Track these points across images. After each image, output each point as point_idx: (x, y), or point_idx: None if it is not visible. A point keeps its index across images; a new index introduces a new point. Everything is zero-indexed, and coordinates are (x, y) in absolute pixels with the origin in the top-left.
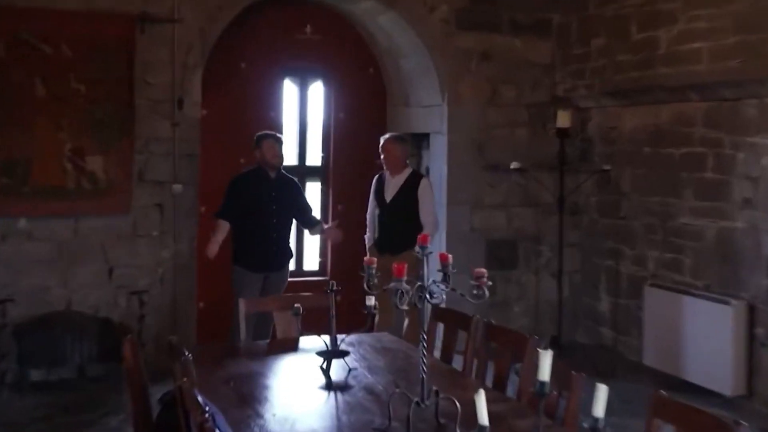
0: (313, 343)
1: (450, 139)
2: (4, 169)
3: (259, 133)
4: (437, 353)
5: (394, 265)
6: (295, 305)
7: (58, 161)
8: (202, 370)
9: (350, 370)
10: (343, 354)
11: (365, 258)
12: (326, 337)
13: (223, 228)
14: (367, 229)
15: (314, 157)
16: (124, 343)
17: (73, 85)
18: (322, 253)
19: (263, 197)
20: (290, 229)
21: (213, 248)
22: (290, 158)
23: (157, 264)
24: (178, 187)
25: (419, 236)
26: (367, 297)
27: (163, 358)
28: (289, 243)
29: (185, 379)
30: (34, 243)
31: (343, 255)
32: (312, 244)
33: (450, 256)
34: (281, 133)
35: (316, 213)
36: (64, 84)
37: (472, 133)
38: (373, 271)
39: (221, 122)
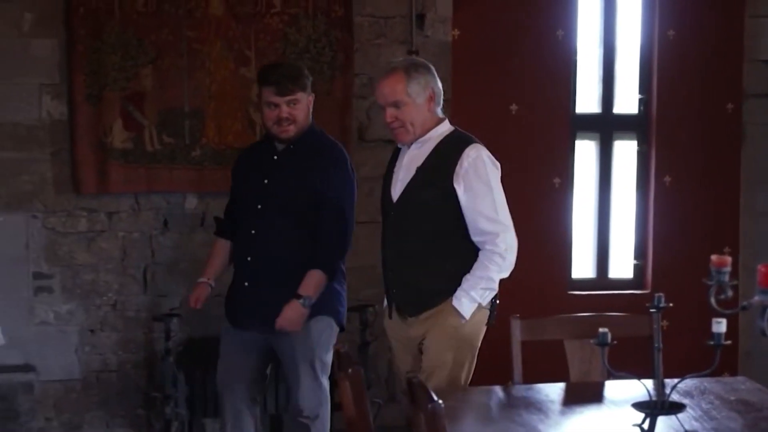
0: (627, 389)
1: None
2: (163, 125)
3: (261, 68)
4: None
5: (761, 268)
6: (601, 330)
7: (243, 111)
8: (457, 426)
9: None
10: (675, 408)
11: (713, 257)
12: (648, 382)
13: (218, 249)
14: None
15: (627, 102)
16: (342, 381)
17: None
18: (639, 253)
19: (252, 187)
20: (308, 255)
21: (195, 293)
22: (589, 103)
23: None
24: None
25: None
26: (714, 320)
27: (400, 407)
28: (295, 280)
29: None
30: (208, 231)
31: (674, 255)
32: (620, 239)
33: None
34: (570, 63)
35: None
36: None
37: None
38: (726, 278)
39: (483, 49)
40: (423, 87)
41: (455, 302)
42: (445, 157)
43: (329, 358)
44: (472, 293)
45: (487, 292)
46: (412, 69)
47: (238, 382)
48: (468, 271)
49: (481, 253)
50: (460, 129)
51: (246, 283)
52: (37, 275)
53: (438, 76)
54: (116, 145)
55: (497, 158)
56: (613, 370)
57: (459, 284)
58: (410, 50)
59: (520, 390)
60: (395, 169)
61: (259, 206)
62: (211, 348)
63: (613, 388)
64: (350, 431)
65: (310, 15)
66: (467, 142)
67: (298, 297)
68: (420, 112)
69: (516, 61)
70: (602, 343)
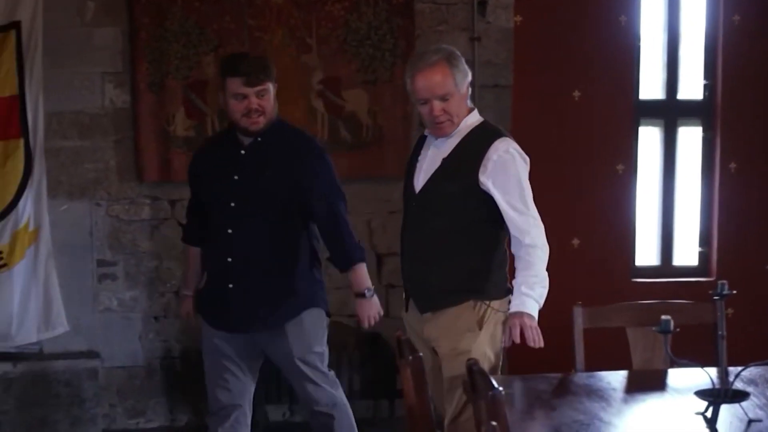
0: (690, 377)
1: None
2: (225, 113)
3: (224, 58)
4: None
5: None
6: (663, 317)
7: (304, 98)
8: (518, 413)
9: (750, 421)
10: (739, 397)
11: None
12: (712, 370)
13: (192, 258)
14: None
15: (691, 88)
16: (403, 368)
17: None
18: (704, 241)
19: (221, 185)
20: (291, 248)
21: (184, 305)
22: (653, 89)
23: None
24: None
25: None
26: None
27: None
28: (281, 275)
29: (494, 423)
30: None
31: (739, 242)
32: (685, 226)
33: None
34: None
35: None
36: None
37: None
38: None
39: (544, 35)
40: (464, 75)
41: (521, 308)
42: (473, 149)
43: (325, 347)
44: (534, 295)
45: (544, 290)
46: (452, 58)
47: (234, 389)
48: (482, 271)
49: (521, 253)
50: (489, 121)
51: (230, 285)
52: (101, 263)
53: (500, 62)
54: (179, 133)
55: (560, 145)
56: (675, 357)
57: (471, 286)
58: (472, 37)
59: (582, 377)
60: (419, 159)
61: (233, 204)
62: None
63: (676, 376)
64: (410, 418)
65: (371, 2)
66: (496, 135)
67: (359, 295)
68: (462, 102)
69: (579, 47)
70: (665, 331)
